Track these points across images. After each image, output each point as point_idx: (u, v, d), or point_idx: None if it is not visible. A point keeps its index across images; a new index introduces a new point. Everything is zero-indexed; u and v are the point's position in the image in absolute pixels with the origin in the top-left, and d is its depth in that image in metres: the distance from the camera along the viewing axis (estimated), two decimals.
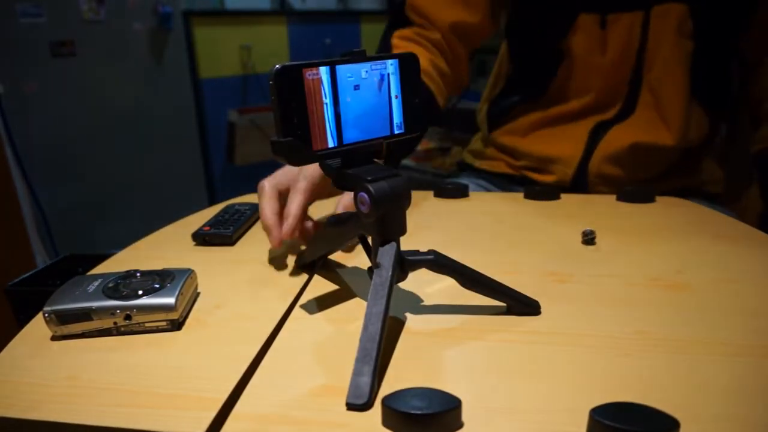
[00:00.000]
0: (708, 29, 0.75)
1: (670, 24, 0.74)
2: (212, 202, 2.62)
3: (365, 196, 0.37)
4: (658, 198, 0.71)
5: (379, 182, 0.37)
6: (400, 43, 0.82)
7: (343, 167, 0.39)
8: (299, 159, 0.37)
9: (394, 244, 0.39)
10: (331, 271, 0.52)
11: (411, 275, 0.41)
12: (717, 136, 0.84)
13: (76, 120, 2.15)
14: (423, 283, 0.47)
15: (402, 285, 0.46)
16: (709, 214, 0.66)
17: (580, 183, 0.81)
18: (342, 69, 0.37)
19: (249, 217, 0.64)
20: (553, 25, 0.80)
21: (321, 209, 0.61)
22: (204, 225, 0.60)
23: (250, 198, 0.74)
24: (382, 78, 0.40)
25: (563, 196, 0.74)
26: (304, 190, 0.51)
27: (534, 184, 0.83)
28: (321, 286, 0.49)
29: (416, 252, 0.41)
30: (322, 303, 0.45)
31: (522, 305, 0.42)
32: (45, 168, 2.09)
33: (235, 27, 2.65)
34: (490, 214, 0.67)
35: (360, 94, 0.39)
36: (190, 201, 2.55)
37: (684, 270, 0.49)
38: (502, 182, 0.91)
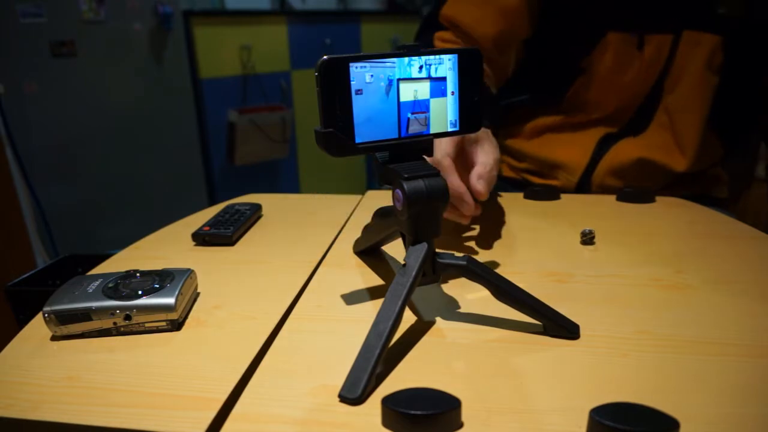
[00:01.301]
0: (738, 67, 0.73)
1: (699, 55, 0.72)
2: (212, 202, 2.63)
3: (399, 193, 0.37)
4: (658, 198, 0.71)
5: (415, 180, 0.36)
6: (442, 45, 0.79)
7: (391, 161, 0.39)
8: (339, 150, 0.37)
9: (425, 244, 0.38)
10: (335, 269, 0.52)
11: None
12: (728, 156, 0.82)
13: (76, 120, 2.15)
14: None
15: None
16: (709, 214, 0.66)
17: (583, 192, 0.81)
18: (389, 63, 0.36)
19: (249, 217, 0.64)
20: (580, 41, 0.78)
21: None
22: (204, 225, 0.60)
23: (250, 198, 0.74)
24: (436, 73, 0.38)
25: (563, 196, 0.74)
26: (452, 168, 0.51)
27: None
28: (321, 286, 0.49)
29: (450, 255, 0.39)
30: (323, 303, 0.45)
31: (559, 327, 0.38)
32: (45, 168, 2.09)
33: (235, 27, 2.64)
34: (490, 214, 0.67)
35: (409, 89, 0.37)
36: (190, 201, 2.55)
37: (684, 270, 0.49)
38: (504, 185, 0.90)
